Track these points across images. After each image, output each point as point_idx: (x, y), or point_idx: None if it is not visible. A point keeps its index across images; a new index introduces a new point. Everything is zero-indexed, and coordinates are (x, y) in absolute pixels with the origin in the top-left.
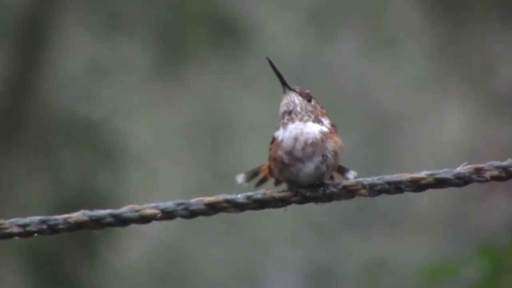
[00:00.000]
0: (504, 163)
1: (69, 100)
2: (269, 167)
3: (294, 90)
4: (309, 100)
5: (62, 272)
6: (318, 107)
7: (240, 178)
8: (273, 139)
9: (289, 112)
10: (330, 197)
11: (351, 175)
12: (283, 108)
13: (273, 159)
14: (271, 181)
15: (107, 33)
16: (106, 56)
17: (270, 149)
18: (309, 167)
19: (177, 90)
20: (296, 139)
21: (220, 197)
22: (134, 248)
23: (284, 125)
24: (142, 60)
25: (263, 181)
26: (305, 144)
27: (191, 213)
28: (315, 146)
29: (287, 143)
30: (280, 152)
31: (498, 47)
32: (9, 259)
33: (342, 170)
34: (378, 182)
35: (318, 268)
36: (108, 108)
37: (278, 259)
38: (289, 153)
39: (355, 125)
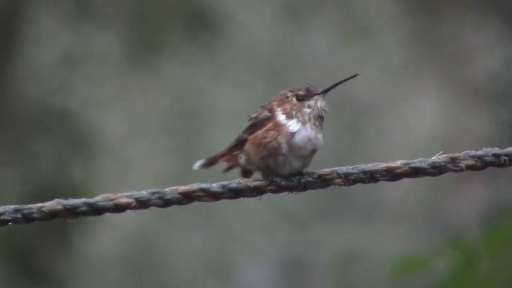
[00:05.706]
0: (479, 152)
1: (43, 90)
2: (232, 157)
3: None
4: None
5: (35, 262)
6: None
7: (198, 164)
8: (257, 124)
9: (322, 119)
10: (305, 187)
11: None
12: (320, 112)
13: (264, 144)
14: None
15: (80, 23)
16: (80, 47)
17: (252, 133)
18: (299, 163)
19: (151, 80)
20: (310, 140)
21: (195, 186)
22: (108, 238)
23: (314, 127)
24: (115, 50)
25: (228, 169)
26: (313, 147)
27: (166, 202)
28: (315, 151)
29: (302, 141)
30: (281, 140)
31: (472, 37)
32: None
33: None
34: (353, 171)
35: (291, 258)
36: (82, 99)
37: (251, 249)
38: (295, 148)
39: (329, 114)
